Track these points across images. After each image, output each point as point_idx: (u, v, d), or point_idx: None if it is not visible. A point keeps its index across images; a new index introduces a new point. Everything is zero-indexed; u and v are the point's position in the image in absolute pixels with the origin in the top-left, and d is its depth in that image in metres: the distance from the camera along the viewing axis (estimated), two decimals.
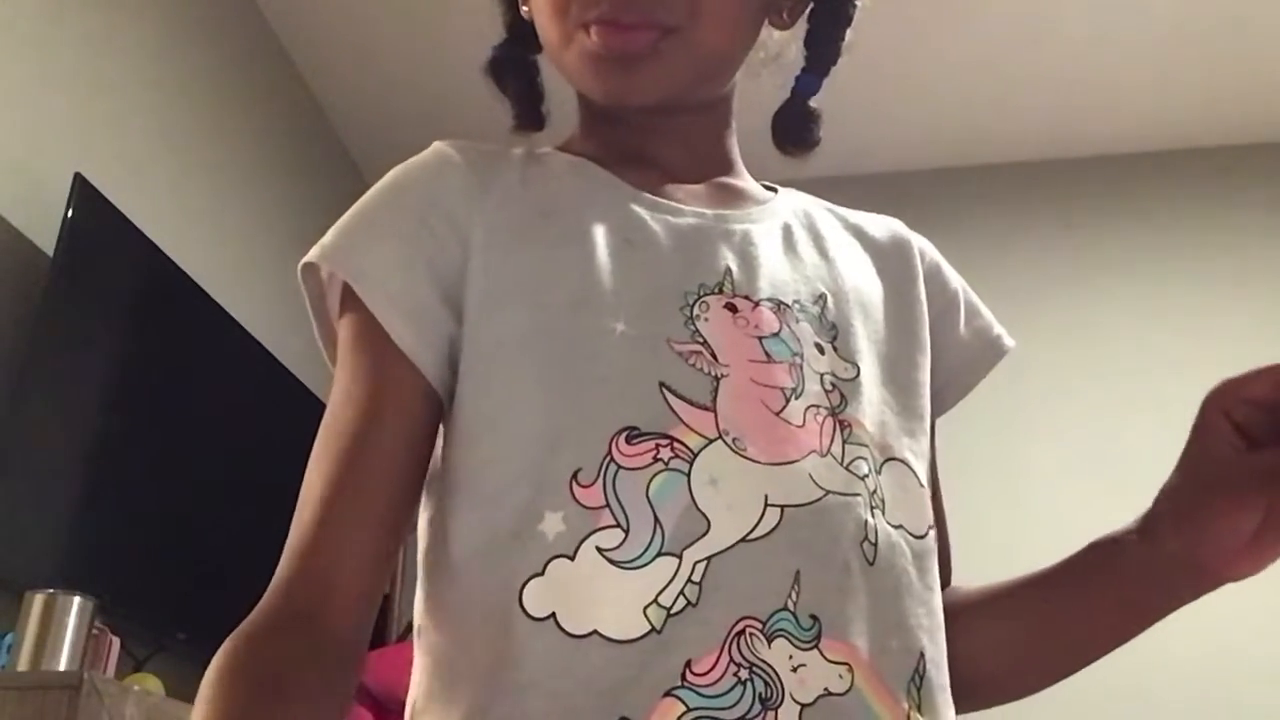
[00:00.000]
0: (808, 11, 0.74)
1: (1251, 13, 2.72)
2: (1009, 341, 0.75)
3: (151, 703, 1.46)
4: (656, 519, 0.53)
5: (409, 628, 2.70)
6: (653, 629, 0.52)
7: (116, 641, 1.75)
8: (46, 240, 1.85)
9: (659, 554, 0.53)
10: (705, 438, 0.55)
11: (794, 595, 0.53)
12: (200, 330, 2.30)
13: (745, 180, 0.72)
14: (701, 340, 0.59)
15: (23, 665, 1.46)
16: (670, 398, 0.56)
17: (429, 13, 2.80)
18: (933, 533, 0.62)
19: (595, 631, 0.52)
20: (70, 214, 1.85)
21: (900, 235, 0.75)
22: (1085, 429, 2.85)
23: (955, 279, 0.76)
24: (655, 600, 0.52)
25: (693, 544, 0.53)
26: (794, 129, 0.74)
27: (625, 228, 0.63)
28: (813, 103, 0.75)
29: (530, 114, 0.75)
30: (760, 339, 0.60)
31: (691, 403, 0.56)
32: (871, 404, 0.62)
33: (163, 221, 2.20)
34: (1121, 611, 0.64)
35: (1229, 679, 2.56)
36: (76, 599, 1.51)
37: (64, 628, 1.49)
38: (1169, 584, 0.61)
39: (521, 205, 0.64)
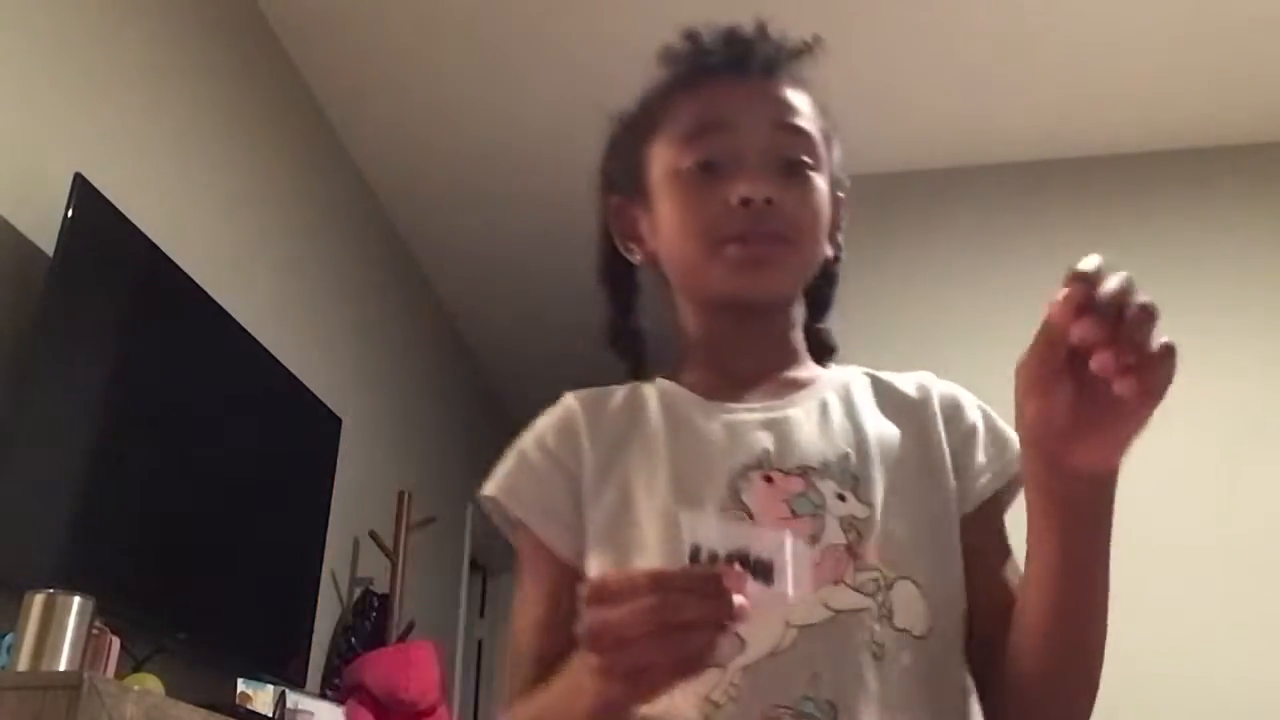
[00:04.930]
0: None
1: (1252, 13, 2.72)
2: (1018, 467, 0.84)
3: (151, 703, 1.46)
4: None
5: (409, 628, 2.72)
6: (706, 717, 0.74)
7: (116, 641, 1.75)
8: (46, 240, 1.85)
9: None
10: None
11: (813, 688, 0.73)
12: (200, 330, 2.30)
13: (802, 369, 0.93)
14: (744, 506, 0.81)
15: (23, 665, 1.45)
16: None
17: (429, 11, 2.80)
18: (936, 632, 0.77)
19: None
20: (70, 214, 1.85)
21: (925, 386, 0.91)
22: None
23: (974, 413, 0.89)
24: (707, 697, 0.74)
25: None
26: (815, 349, 0.96)
27: (691, 432, 0.86)
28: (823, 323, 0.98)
29: (639, 372, 0.97)
30: (788, 500, 0.81)
31: None
32: (888, 535, 0.79)
33: (163, 221, 2.20)
34: (1049, 543, 0.69)
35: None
36: (76, 599, 1.51)
37: (64, 628, 1.48)
38: (1038, 484, 0.67)
39: (618, 430, 0.88)
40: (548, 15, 2.79)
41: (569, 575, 0.82)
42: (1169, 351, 0.57)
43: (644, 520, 0.82)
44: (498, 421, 5.10)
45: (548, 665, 0.77)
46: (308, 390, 2.72)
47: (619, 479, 0.85)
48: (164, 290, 2.18)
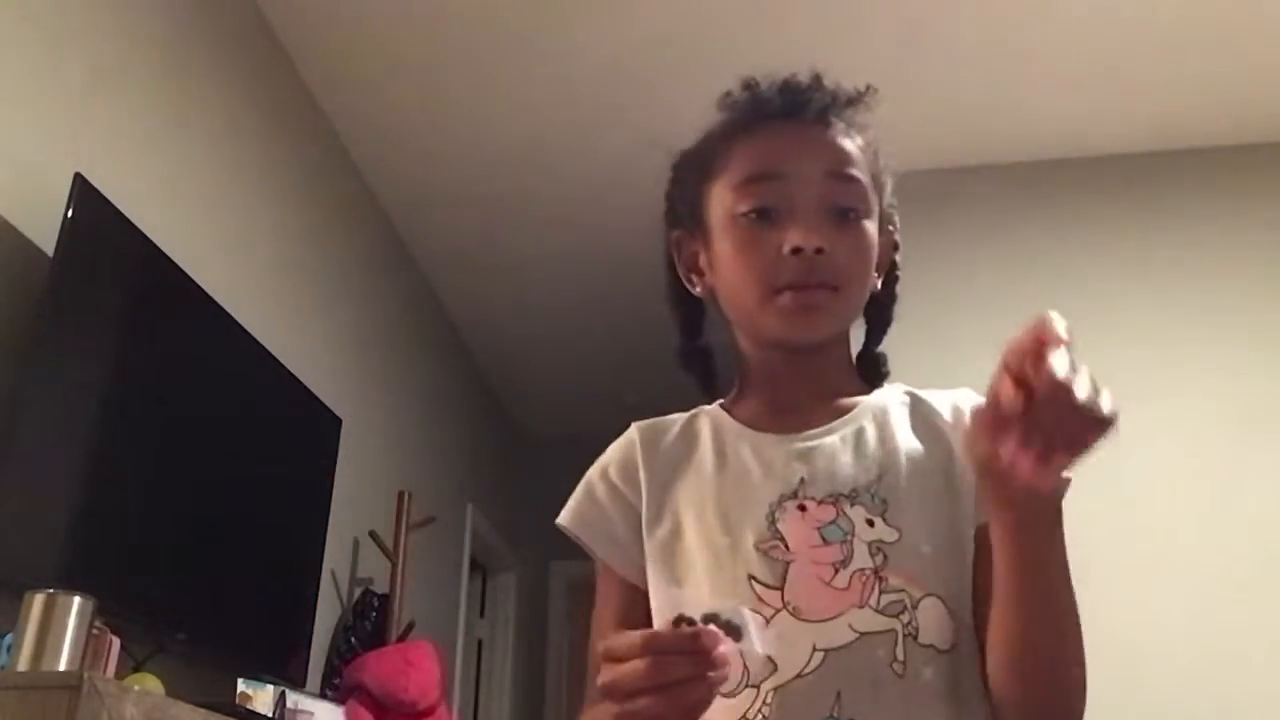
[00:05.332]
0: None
1: (1253, 13, 2.72)
2: None
3: (151, 703, 1.46)
4: (745, 665, 0.82)
5: (408, 628, 2.72)
6: None
7: (116, 641, 1.75)
8: (46, 240, 1.85)
9: (745, 687, 0.82)
10: (775, 609, 0.84)
11: (837, 707, 0.80)
12: (200, 330, 2.30)
13: (847, 395, 0.98)
14: (779, 535, 0.88)
15: (23, 665, 1.45)
16: (755, 585, 0.86)
17: (429, 12, 2.80)
18: (960, 644, 0.83)
19: None
20: (70, 214, 1.85)
21: (959, 408, 0.94)
22: None
23: None
24: (743, 716, 0.82)
25: (766, 679, 0.82)
26: (869, 373, 1.02)
27: (735, 464, 0.94)
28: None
29: (710, 390, 1.04)
30: (819, 528, 0.87)
31: (768, 586, 0.86)
32: (915, 555, 0.85)
33: (163, 221, 2.20)
34: (1006, 550, 0.75)
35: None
36: (76, 599, 1.51)
37: (64, 628, 1.48)
38: (991, 498, 0.74)
39: (673, 462, 0.97)
40: (549, 17, 2.79)
41: (633, 593, 0.94)
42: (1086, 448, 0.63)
43: (693, 549, 0.91)
44: (497, 421, 5.10)
45: None
46: (308, 390, 2.72)
47: (672, 510, 0.95)
48: (164, 290, 2.17)
